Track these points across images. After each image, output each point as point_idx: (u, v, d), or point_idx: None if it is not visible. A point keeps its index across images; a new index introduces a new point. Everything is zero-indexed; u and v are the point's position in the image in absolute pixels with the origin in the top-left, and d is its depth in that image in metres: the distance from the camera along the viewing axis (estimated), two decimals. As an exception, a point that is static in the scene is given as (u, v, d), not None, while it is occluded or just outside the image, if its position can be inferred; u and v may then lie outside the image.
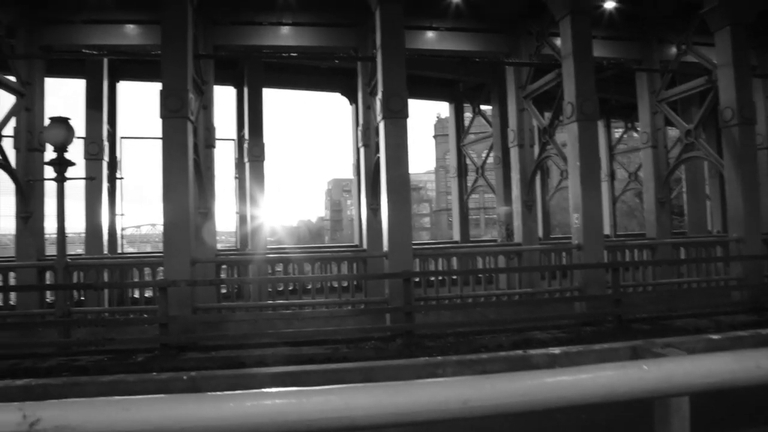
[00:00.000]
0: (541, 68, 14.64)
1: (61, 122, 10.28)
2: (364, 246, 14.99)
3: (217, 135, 14.79)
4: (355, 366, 2.91)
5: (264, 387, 1.65)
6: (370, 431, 1.54)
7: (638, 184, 20.47)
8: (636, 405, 1.77)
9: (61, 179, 10.29)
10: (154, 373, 3.74)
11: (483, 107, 21.03)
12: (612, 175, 21.75)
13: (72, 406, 1.40)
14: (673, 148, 17.36)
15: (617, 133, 24.50)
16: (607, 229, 19.69)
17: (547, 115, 15.06)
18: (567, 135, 12.90)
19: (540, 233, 17.94)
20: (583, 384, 1.52)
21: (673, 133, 18.50)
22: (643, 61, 16.03)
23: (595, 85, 12.71)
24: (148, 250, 34.31)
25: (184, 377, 3.15)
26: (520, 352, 3.19)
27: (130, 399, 1.44)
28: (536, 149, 15.45)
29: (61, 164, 10.27)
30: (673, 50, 15.54)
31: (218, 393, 1.44)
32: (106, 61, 15.16)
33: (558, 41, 13.32)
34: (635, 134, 21.86)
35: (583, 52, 12.53)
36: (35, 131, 12.95)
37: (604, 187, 19.85)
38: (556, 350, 3.20)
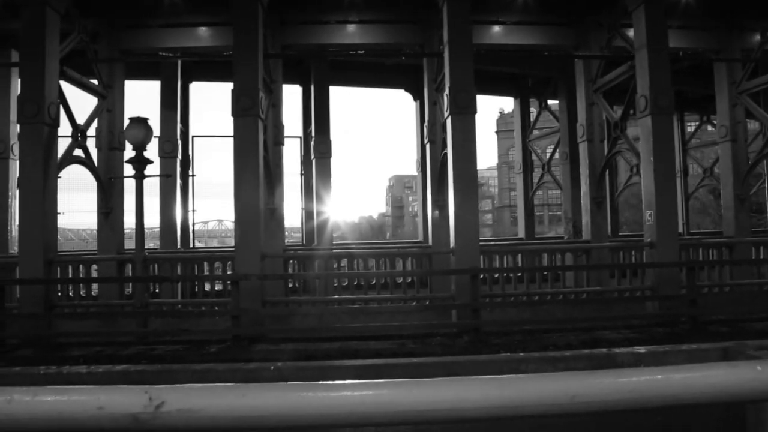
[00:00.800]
0: (612, 61, 14.17)
1: (140, 122, 10.76)
2: (429, 242, 14.96)
3: (285, 132, 15.10)
4: (438, 360, 2.93)
5: (347, 378, 1.70)
6: (474, 423, 1.56)
7: (713, 180, 19.54)
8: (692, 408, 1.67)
9: (140, 176, 10.77)
10: (242, 363, 3.95)
11: (549, 102, 20.56)
12: (685, 171, 20.83)
13: (193, 391, 1.49)
14: (753, 142, 16.49)
15: (690, 127, 23.41)
16: (679, 227, 18.91)
17: (617, 108, 14.57)
18: (639, 129, 12.46)
19: (608, 230, 17.40)
20: (692, 383, 1.49)
21: (752, 126, 17.57)
22: (721, 50, 15.21)
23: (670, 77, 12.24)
24: (215, 245, 35.50)
25: (271, 367, 3.27)
26: (603, 350, 3.14)
27: (246, 386, 1.51)
28: (605, 144, 15.00)
29: (140, 162, 10.74)
30: (757, 38, 14.75)
31: (329, 382, 1.49)
32: (179, 62, 15.78)
33: (630, 32, 12.85)
34: (710, 128, 20.88)
35: (658, 42, 12.06)
36: (116, 131, 13.65)
37: (677, 183, 19.05)
38: (642, 349, 3.14)
